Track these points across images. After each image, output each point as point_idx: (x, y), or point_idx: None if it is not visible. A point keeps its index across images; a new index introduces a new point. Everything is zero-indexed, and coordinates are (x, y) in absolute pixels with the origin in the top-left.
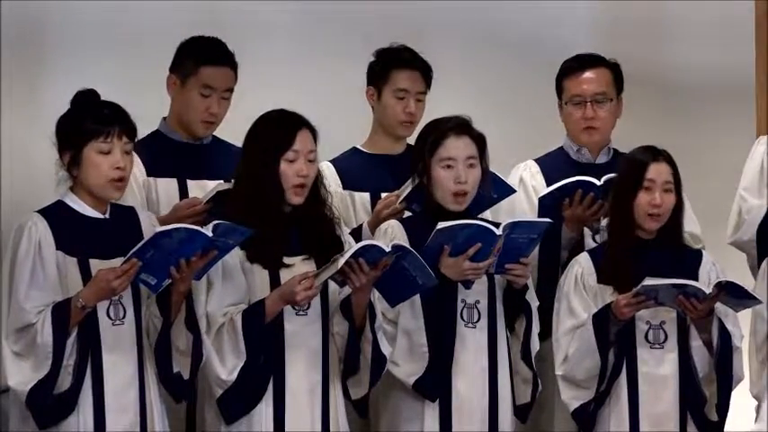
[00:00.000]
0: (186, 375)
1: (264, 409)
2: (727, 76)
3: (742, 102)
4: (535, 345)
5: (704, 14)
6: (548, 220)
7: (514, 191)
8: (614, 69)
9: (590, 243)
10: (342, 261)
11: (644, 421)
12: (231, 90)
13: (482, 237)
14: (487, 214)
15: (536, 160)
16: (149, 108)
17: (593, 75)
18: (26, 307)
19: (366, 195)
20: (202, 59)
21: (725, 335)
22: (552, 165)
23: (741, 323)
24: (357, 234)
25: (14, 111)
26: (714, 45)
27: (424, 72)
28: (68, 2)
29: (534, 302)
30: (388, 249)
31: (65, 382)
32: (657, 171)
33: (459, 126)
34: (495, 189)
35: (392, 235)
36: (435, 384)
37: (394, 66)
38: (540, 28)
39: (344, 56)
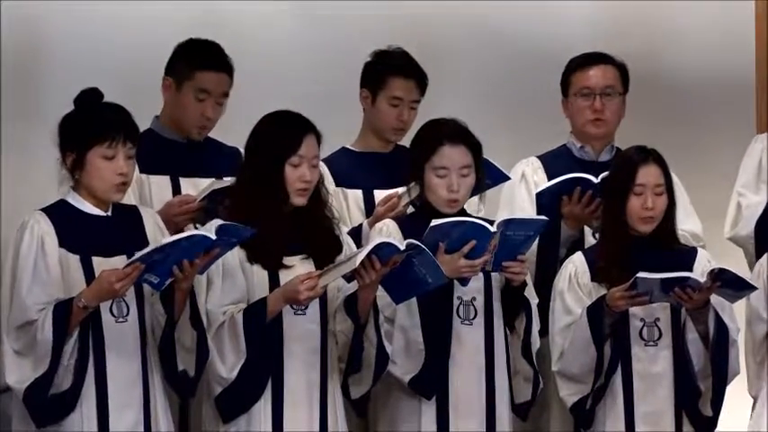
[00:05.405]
0: (192, 373)
1: (263, 408)
2: (727, 76)
3: (742, 102)
4: (535, 342)
5: (704, 14)
6: (544, 217)
7: (509, 178)
8: (621, 69)
9: (591, 241)
10: (359, 259)
11: (639, 419)
12: (227, 94)
13: (476, 234)
14: (486, 212)
15: (539, 157)
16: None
17: (601, 70)
18: (28, 303)
19: (359, 192)
20: (198, 64)
21: (722, 327)
22: (555, 161)
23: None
24: (356, 234)
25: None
26: (714, 45)
27: (420, 80)
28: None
29: (534, 300)
30: (402, 247)
31: (65, 381)
32: (647, 174)
33: (455, 134)
34: (488, 175)
35: (387, 234)
36: (431, 382)
37: (391, 72)
38: (540, 28)
39: (347, 57)
